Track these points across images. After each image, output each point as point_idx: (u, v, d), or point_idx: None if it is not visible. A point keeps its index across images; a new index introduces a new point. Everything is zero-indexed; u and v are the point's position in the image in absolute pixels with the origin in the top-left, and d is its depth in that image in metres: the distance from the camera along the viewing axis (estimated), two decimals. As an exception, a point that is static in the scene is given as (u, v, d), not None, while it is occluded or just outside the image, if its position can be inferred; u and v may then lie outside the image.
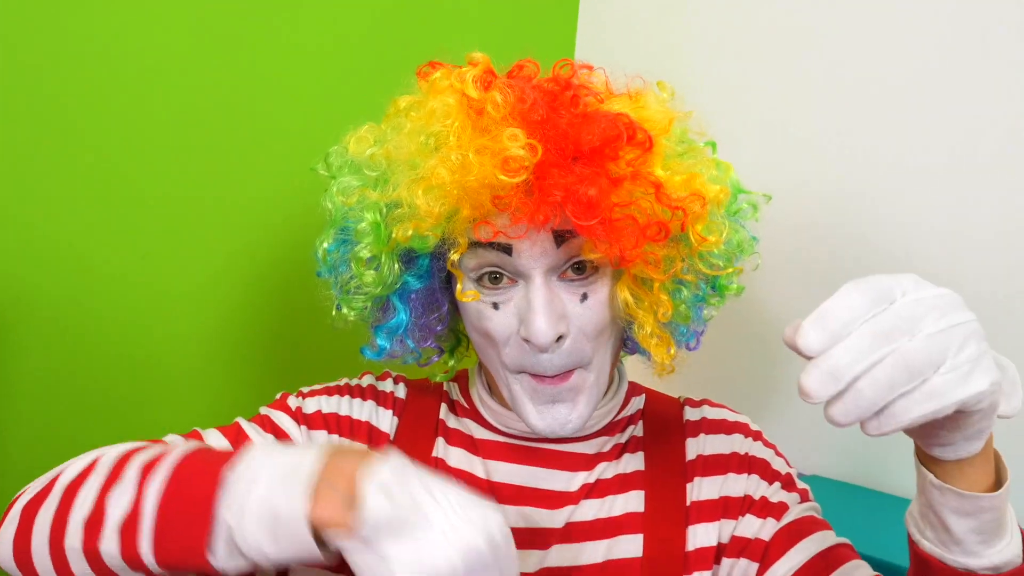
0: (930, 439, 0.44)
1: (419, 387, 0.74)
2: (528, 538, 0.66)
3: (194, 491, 0.45)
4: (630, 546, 0.66)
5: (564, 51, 1.29)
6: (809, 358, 0.38)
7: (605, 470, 0.69)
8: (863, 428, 0.39)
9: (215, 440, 0.64)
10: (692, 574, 0.65)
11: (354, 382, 0.74)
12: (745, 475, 0.68)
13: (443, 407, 0.73)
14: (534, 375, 0.62)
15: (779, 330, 1.07)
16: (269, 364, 1.09)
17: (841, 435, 1.00)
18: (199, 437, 0.64)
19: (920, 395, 0.37)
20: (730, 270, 0.63)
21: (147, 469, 0.47)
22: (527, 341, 0.60)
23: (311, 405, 0.69)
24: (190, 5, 0.94)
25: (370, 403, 0.71)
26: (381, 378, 0.75)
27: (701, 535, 0.66)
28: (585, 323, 0.61)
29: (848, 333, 0.37)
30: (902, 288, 0.39)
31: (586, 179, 0.55)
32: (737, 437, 0.70)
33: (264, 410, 0.69)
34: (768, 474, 0.68)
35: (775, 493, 0.67)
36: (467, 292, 0.62)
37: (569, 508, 0.67)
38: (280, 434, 0.66)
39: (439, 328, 0.68)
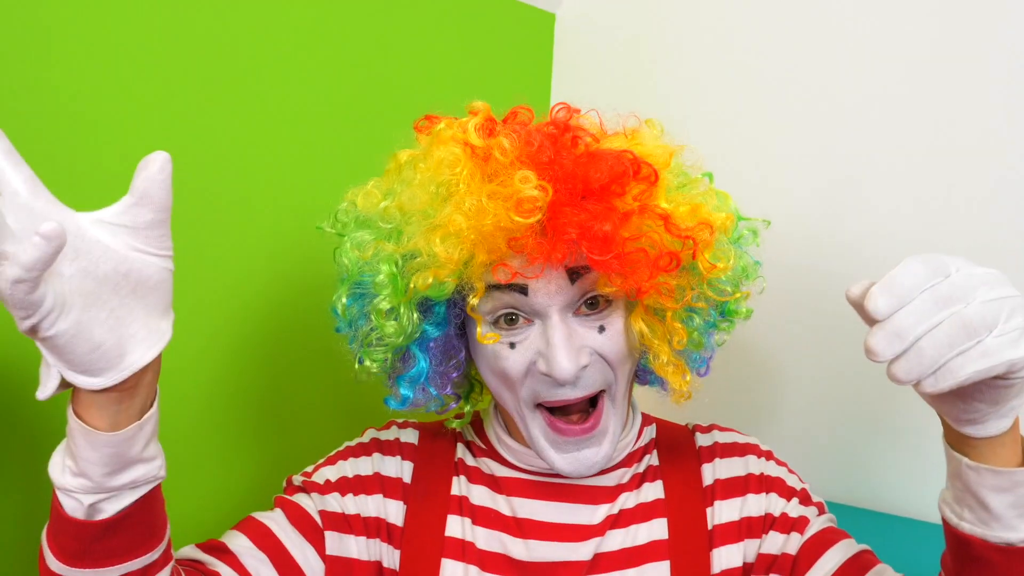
0: (965, 415, 0.47)
1: (432, 430, 0.76)
2: (558, 571, 0.67)
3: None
4: (657, 573, 0.67)
5: (541, 95, 1.32)
6: (875, 321, 0.43)
7: (627, 500, 0.70)
8: (920, 387, 0.43)
9: (241, 543, 0.64)
10: None
11: (355, 442, 0.75)
12: (764, 494, 0.69)
13: (459, 447, 0.74)
14: (555, 425, 0.64)
15: (769, 353, 1.11)
16: (262, 429, 1.08)
17: (833, 458, 1.03)
18: (223, 547, 0.63)
19: (975, 353, 0.42)
20: (738, 295, 0.66)
21: None
22: (547, 376, 0.61)
23: (319, 477, 0.71)
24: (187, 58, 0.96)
25: (375, 456, 0.72)
26: (384, 428, 0.76)
27: (725, 557, 0.68)
28: (607, 352, 0.63)
29: (912, 299, 0.42)
30: (956, 264, 0.43)
31: (599, 216, 0.58)
32: (751, 459, 0.72)
33: (280, 499, 0.69)
34: (785, 491, 0.70)
35: (794, 508, 0.69)
36: (487, 335, 0.63)
37: (596, 540, 0.68)
38: (306, 520, 0.67)
39: (455, 375, 0.69)
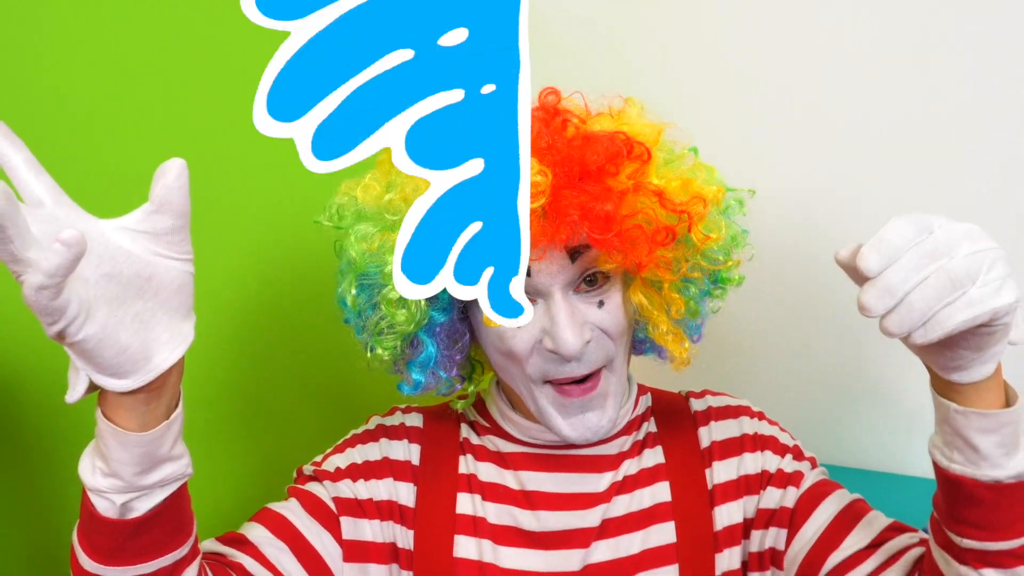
0: (952, 363, 0.51)
1: (435, 413, 0.78)
2: (569, 539, 0.70)
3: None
4: (663, 534, 0.70)
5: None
6: (866, 279, 0.46)
7: (629, 467, 0.73)
8: (910, 339, 0.46)
9: (260, 533, 0.65)
10: (723, 551, 0.70)
11: (360, 430, 0.77)
12: (759, 452, 0.73)
13: (463, 427, 0.76)
14: (559, 388, 0.66)
15: (747, 321, 1.14)
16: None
17: (809, 418, 1.07)
18: (243, 539, 0.65)
19: (961, 303, 0.45)
20: (730, 263, 0.69)
21: None
22: (553, 352, 0.64)
23: (329, 466, 0.72)
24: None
25: (382, 441, 0.74)
26: (388, 414, 0.78)
27: (726, 514, 0.71)
28: (607, 326, 0.65)
29: (899, 256, 0.45)
30: (939, 222, 0.47)
31: (598, 196, 0.60)
32: (744, 419, 0.75)
33: (292, 489, 0.71)
34: (779, 448, 0.73)
35: (788, 464, 0.72)
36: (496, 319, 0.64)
37: (603, 507, 0.71)
38: (320, 507, 0.68)
39: (459, 357, 0.71)
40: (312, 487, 0.70)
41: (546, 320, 0.64)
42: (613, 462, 0.73)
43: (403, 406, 0.79)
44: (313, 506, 0.68)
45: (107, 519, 0.50)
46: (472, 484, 0.73)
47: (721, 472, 0.72)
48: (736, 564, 0.71)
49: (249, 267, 1.05)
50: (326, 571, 0.67)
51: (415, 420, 0.76)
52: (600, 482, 0.72)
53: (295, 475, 0.74)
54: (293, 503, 0.68)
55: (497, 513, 0.72)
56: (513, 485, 0.72)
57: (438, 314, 0.67)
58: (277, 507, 0.68)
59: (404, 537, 0.71)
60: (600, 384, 0.66)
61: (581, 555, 0.70)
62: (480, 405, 0.78)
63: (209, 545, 0.64)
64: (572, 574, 0.69)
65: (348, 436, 0.76)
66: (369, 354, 0.69)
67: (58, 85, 0.85)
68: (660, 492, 0.72)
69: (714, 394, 0.79)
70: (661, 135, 0.67)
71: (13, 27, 0.81)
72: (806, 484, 0.70)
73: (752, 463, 0.72)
